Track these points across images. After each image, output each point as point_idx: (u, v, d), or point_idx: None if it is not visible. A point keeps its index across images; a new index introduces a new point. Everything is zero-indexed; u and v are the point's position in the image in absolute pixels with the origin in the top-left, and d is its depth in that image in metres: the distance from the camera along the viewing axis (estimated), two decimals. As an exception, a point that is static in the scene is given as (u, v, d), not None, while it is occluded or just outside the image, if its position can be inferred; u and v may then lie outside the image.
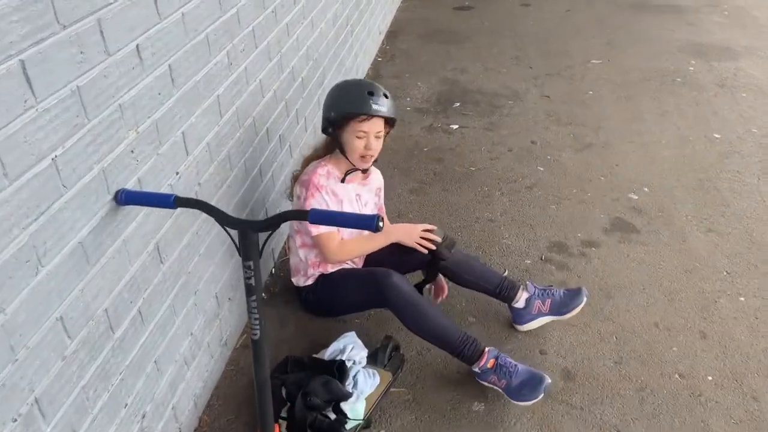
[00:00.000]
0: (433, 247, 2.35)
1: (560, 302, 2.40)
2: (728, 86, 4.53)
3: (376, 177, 2.52)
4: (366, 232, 2.34)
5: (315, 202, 2.23)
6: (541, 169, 3.56)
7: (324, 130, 2.28)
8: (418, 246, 2.35)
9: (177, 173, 1.86)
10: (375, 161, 2.33)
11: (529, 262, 2.85)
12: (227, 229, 1.50)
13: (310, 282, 2.44)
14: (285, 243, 2.94)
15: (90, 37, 1.40)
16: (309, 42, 3.14)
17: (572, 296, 2.41)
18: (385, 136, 2.29)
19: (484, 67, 4.93)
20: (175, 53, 1.78)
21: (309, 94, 3.19)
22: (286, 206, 2.99)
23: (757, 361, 2.34)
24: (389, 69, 4.94)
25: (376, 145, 2.24)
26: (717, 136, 3.87)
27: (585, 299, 2.40)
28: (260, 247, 1.50)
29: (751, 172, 3.50)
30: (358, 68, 4.46)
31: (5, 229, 1.20)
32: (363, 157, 2.25)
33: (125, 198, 1.55)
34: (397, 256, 2.40)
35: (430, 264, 2.41)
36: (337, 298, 2.39)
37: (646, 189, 3.36)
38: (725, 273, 2.77)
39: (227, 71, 2.16)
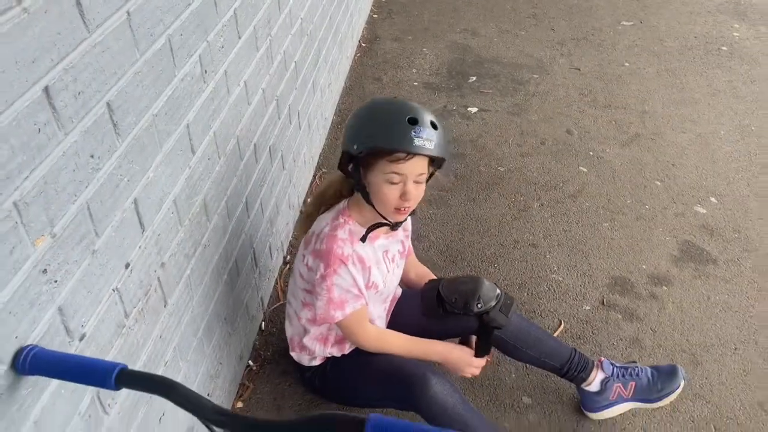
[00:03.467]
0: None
1: (648, 386, 1.83)
2: (783, 58, 3.91)
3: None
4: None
5: (340, 281, 1.54)
6: (584, 169, 2.93)
7: (341, 168, 1.57)
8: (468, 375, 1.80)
9: (127, 266, 1.19)
10: (413, 212, 1.61)
11: (588, 308, 2.26)
12: (214, 429, 0.86)
13: (316, 362, 1.80)
14: (276, 284, 2.29)
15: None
16: (303, 13, 2.40)
17: (665, 378, 1.83)
18: (428, 179, 1.58)
19: (498, 29, 4.20)
20: (117, 81, 1.09)
21: (303, 80, 2.48)
22: (279, 237, 2.33)
23: None
24: (388, 29, 4.18)
25: (417, 192, 1.51)
26: (784, 125, 3.28)
27: (683, 382, 1.84)
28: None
29: (831, 175, 2.93)
30: (353, 33, 3.70)
31: None
32: (398, 209, 1.54)
33: (31, 365, 0.89)
34: (432, 319, 1.78)
35: (481, 333, 1.79)
36: (352, 390, 1.77)
37: (713, 199, 2.76)
38: (829, 322, 2.23)
39: (200, 84, 1.46)
